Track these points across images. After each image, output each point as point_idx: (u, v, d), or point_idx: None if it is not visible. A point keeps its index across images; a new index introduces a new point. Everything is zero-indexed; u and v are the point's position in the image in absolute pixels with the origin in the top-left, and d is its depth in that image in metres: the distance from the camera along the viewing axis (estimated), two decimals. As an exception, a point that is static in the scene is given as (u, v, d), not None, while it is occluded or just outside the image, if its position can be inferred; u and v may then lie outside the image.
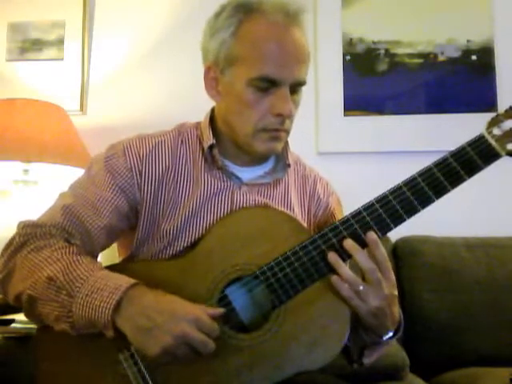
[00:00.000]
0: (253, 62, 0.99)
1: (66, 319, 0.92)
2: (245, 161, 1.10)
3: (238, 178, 1.08)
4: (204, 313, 0.89)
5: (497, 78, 2.04)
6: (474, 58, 2.07)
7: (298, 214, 1.13)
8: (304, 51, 1.02)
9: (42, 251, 0.96)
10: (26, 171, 1.92)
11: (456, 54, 2.08)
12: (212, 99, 1.11)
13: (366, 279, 0.93)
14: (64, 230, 1.00)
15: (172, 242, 1.03)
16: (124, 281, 0.92)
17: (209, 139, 1.07)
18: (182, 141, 1.11)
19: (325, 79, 2.11)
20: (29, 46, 2.22)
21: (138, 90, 2.17)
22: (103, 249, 1.09)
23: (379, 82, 2.09)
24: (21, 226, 1.01)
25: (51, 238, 0.98)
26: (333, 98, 2.09)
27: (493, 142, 0.95)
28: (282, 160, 1.13)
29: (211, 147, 1.07)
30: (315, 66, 2.12)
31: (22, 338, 1.33)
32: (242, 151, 1.08)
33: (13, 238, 1.00)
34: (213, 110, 1.14)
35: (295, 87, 1.02)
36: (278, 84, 0.99)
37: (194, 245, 1.02)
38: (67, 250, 0.97)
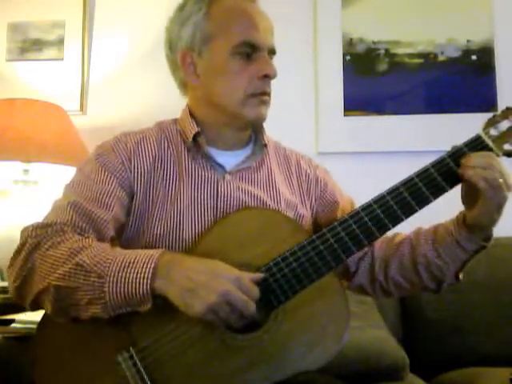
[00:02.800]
0: (231, 32, 1.06)
1: (98, 301, 0.91)
2: (228, 144, 1.13)
3: (221, 166, 1.10)
4: (245, 275, 0.91)
5: (497, 78, 2.04)
6: (473, 57, 2.07)
7: (286, 193, 1.14)
8: (270, 22, 1.12)
9: (61, 245, 0.95)
10: (26, 171, 1.92)
11: (456, 54, 2.08)
12: (184, 93, 1.17)
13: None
14: (75, 226, 1.00)
15: (161, 240, 1.03)
16: (152, 251, 0.93)
17: (193, 129, 1.10)
18: (164, 135, 1.14)
19: (325, 79, 2.11)
20: (29, 46, 2.22)
21: (138, 90, 2.17)
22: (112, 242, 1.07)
23: (379, 82, 2.09)
24: (29, 230, 0.99)
25: (65, 234, 0.97)
26: (333, 98, 2.09)
27: (490, 142, 0.96)
28: (258, 142, 1.15)
29: (196, 136, 1.09)
30: (315, 66, 2.12)
31: (22, 338, 1.33)
32: (230, 128, 1.11)
33: (23, 243, 0.97)
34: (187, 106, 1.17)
35: (269, 55, 1.09)
36: (257, 49, 1.07)
37: (194, 245, 1.02)
38: (86, 241, 0.97)
